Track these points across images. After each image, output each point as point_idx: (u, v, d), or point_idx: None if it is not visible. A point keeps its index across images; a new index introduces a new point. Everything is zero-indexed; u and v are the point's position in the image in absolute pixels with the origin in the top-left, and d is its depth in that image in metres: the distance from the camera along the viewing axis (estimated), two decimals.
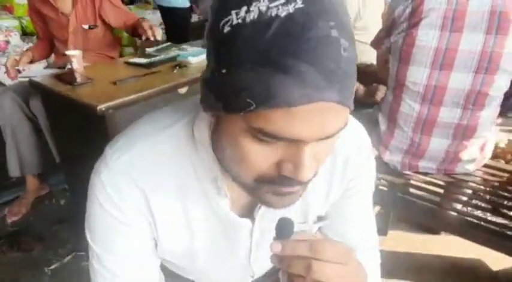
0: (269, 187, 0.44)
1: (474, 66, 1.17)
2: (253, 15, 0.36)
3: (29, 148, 1.80)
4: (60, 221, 1.90)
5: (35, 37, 3.77)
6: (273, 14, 0.35)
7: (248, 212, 0.59)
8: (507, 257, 1.59)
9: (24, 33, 3.80)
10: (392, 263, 1.63)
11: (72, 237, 1.80)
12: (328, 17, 0.36)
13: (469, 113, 1.23)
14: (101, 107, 1.24)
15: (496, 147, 2.58)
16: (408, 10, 1.20)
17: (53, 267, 1.65)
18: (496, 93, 1.21)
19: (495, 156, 2.18)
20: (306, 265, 0.40)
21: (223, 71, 0.39)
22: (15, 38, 3.46)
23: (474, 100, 1.21)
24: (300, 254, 0.41)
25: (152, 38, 1.72)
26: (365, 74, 1.76)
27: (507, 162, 1.76)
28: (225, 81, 0.39)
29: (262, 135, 0.39)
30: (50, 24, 1.95)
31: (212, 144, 0.50)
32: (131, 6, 4.49)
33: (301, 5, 0.35)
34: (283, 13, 0.35)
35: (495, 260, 1.64)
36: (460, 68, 1.18)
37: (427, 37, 1.17)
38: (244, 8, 0.36)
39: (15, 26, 3.70)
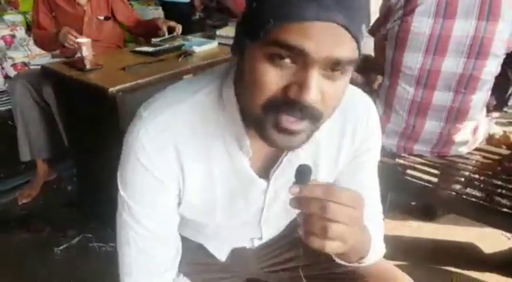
0: (274, 117, 0.48)
1: (466, 51, 1.24)
2: None
3: (38, 133, 1.86)
4: (67, 205, 1.96)
5: None
6: None
7: (265, 174, 0.64)
8: (498, 241, 1.67)
9: (29, 28, 3.87)
10: (385, 245, 1.70)
11: (79, 220, 1.86)
12: None
13: (461, 96, 1.30)
14: (112, 89, 1.31)
15: (492, 138, 2.66)
16: None
17: (61, 247, 1.71)
18: (487, 77, 1.27)
19: (490, 146, 2.25)
20: (322, 206, 0.45)
21: (254, 4, 0.47)
22: (21, 33, 3.53)
23: (466, 84, 1.28)
24: (316, 196, 0.46)
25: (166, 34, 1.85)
26: (363, 64, 1.84)
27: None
28: (253, 13, 0.48)
29: (278, 51, 0.45)
30: (65, 16, 2.00)
31: (235, 87, 0.56)
32: (133, 2, 4.55)
33: None
34: None
35: (487, 244, 1.71)
36: (452, 53, 1.25)
37: (421, 24, 1.24)
38: None
39: (21, 21, 3.76)
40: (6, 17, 3.66)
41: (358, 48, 0.46)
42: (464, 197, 1.34)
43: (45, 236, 1.78)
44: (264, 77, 0.47)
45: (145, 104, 0.61)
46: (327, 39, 0.43)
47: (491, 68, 1.26)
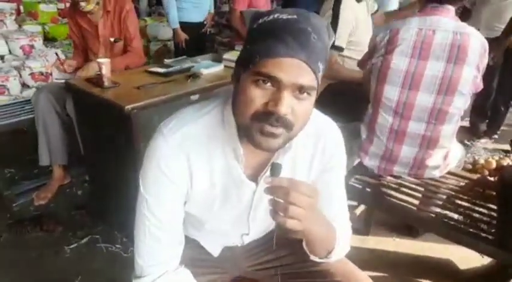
0: (258, 124, 0.67)
1: (436, 88, 1.41)
2: (270, 18, 0.67)
3: (57, 141, 2.04)
4: (78, 208, 2.12)
5: (56, 43, 4.06)
6: (280, 17, 0.66)
7: (255, 178, 0.83)
8: (474, 258, 1.79)
9: (46, 39, 4.07)
10: (368, 259, 1.83)
11: (88, 222, 2.02)
12: (309, 24, 0.65)
13: (432, 126, 1.47)
14: (128, 107, 1.49)
15: (476, 163, 2.82)
16: (386, 38, 1.45)
17: (71, 246, 1.86)
18: (455, 111, 1.44)
19: (475, 171, 2.41)
20: (286, 192, 0.65)
21: (248, 46, 0.69)
22: (39, 43, 3.69)
23: (436, 116, 1.45)
24: (282, 185, 0.66)
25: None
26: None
27: (483, 176, 1.99)
28: (247, 52, 0.68)
29: (261, 77, 0.65)
30: (86, 36, 2.20)
31: (233, 106, 0.74)
32: (147, 18, 4.77)
33: (296, 17, 0.65)
34: (285, 17, 0.65)
35: (463, 260, 1.84)
36: (424, 89, 1.42)
37: (400, 62, 1.42)
38: (266, 16, 0.67)
39: (39, 31, 3.95)
40: (26, 27, 3.85)
41: (317, 78, 0.67)
42: (443, 219, 1.45)
43: (57, 235, 1.93)
44: (251, 96, 0.66)
45: (165, 122, 0.79)
46: (293, 70, 0.64)
47: (459, 103, 1.43)
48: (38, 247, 1.85)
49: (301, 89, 0.65)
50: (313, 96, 0.69)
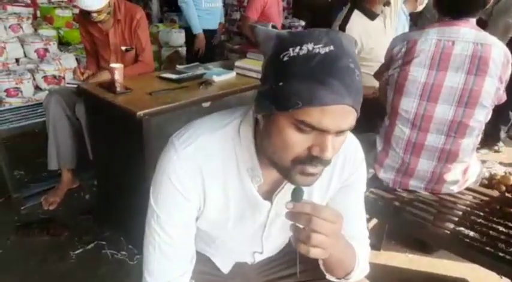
0: (300, 167, 0.63)
1: (456, 100, 1.37)
2: (303, 51, 0.58)
3: (67, 145, 2.03)
4: (85, 213, 2.11)
5: (70, 47, 4.11)
6: (316, 51, 0.58)
7: (269, 196, 0.79)
8: (491, 278, 1.72)
9: (61, 43, 4.12)
10: (381, 275, 1.77)
11: (95, 227, 2.00)
12: (348, 56, 0.59)
13: (452, 139, 1.42)
14: (140, 113, 1.47)
15: (492, 178, 2.74)
16: (403, 49, 1.42)
17: (77, 252, 1.84)
18: (476, 125, 1.40)
19: (491, 186, 2.33)
20: (308, 219, 0.61)
21: (280, 84, 0.60)
22: (53, 47, 3.75)
23: (456, 129, 1.40)
24: (305, 211, 0.61)
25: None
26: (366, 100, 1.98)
27: (501, 192, 1.93)
28: (281, 90, 0.60)
29: (304, 126, 0.59)
30: (97, 44, 2.20)
31: (258, 140, 0.70)
32: (159, 24, 4.81)
33: (333, 48, 0.58)
34: (322, 51, 0.57)
35: (478, 278, 1.77)
36: (444, 101, 1.38)
37: (418, 73, 1.38)
38: (298, 47, 0.59)
39: (54, 35, 4.00)
40: (41, 31, 3.91)
41: (358, 114, 0.62)
42: (459, 236, 1.39)
43: (63, 240, 1.92)
44: (291, 141, 0.61)
45: (178, 134, 0.75)
46: (339, 117, 0.59)
47: (479, 116, 1.38)
48: (43, 251, 1.84)
49: (344, 131, 0.62)
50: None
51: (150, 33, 4.59)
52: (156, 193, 0.75)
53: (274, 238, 0.88)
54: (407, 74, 1.41)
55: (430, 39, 1.37)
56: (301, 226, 0.62)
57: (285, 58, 0.59)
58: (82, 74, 2.01)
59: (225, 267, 0.98)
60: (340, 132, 0.61)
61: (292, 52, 0.59)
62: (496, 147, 3.31)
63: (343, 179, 0.83)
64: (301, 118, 0.59)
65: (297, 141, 0.61)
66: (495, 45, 1.33)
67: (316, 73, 0.57)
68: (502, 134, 3.33)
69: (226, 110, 0.80)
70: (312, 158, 0.62)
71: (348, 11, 2.08)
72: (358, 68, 0.60)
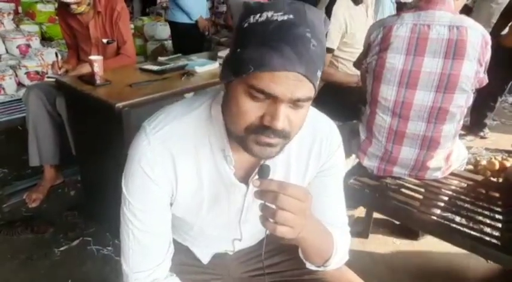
0: (254, 136, 0.62)
1: (435, 86, 1.36)
2: (262, 18, 0.58)
3: (48, 141, 1.99)
4: (70, 209, 2.08)
5: (53, 42, 4.04)
6: (274, 19, 0.58)
7: (245, 179, 0.78)
8: (477, 261, 1.73)
9: (44, 38, 4.05)
10: (368, 263, 1.78)
11: (80, 223, 1.97)
12: (307, 26, 0.58)
13: (433, 126, 1.42)
14: (119, 105, 1.45)
15: (477, 164, 2.78)
16: (380, 36, 1.40)
17: (62, 248, 1.81)
18: (456, 110, 1.39)
19: (476, 172, 2.36)
20: (274, 196, 0.60)
21: (238, 50, 0.60)
22: (36, 43, 3.68)
23: (436, 115, 1.40)
24: (271, 189, 0.60)
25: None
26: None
27: (486, 178, 1.94)
28: (237, 56, 0.60)
29: (255, 91, 0.58)
30: (77, 37, 2.16)
31: (222, 112, 0.69)
32: (144, 18, 4.75)
33: (292, 17, 0.57)
34: (280, 18, 0.57)
35: (466, 264, 1.80)
36: (422, 87, 1.37)
37: (395, 60, 1.37)
38: (258, 14, 0.59)
39: (36, 31, 3.94)
40: (23, 27, 3.84)
41: (315, 87, 0.61)
42: (445, 221, 1.40)
43: (48, 237, 1.88)
44: (244, 108, 0.61)
45: (149, 119, 0.74)
46: (290, 84, 0.58)
47: (460, 101, 1.38)
48: (28, 249, 1.81)
49: (297, 101, 0.60)
50: (310, 103, 0.64)
51: (135, 26, 4.58)
52: (127, 179, 0.74)
53: (252, 224, 0.87)
54: (384, 62, 1.40)
55: (405, 24, 1.36)
56: (269, 205, 0.61)
57: (245, 25, 0.60)
58: (60, 68, 1.97)
59: (205, 258, 0.96)
60: (294, 103, 0.60)
61: (252, 19, 0.59)
62: (481, 134, 3.35)
63: (321, 164, 0.82)
64: (253, 83, 0.58)
65: (250, 109, 0.61)
66: (471, 28, 1.31)
67: (270, 39, 0.57)
68: (488, 121, 3.36)
69: (195, 94, 0.79)
70: (264, 128, 0.61)
71: None
72: (316, 39, 0.58)
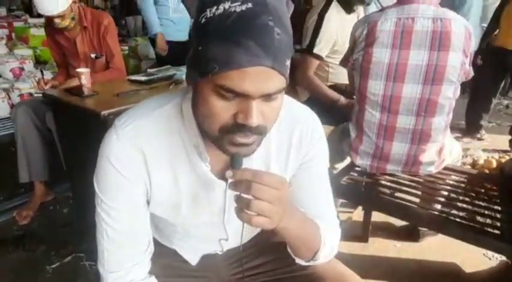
0: (229, 136, 0.59)
1: (422, 78, 1.36)
2: (219, 11, 0.54)
3: (38, 156, 1.98)
4: (62, 225, 2.04)
5: (46, 65, 4.07)
6: (232, 10, 0.53)
7: (224, 175, 0.72)
8: (478, 260, 1.70)
9: (37, 62, 4.09)
10: (370, 267, 1.74)
11: (73, 239, 1.93)
12: (268, 13, 0.54)
13: (422, 119, 1.40)
14: (104, 112, 1.44)
15: (475, 163, 2.75)
16: (365, 32, 1.41)
17: (54, 266, 1.77)
18: (445, 102, 1.38)
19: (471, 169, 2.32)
20: (248, 185, 0.57)
21: (200, 48, 0.57)
22: (29, 66, 3.72)
23: (425, 108, 1.39)
24: (245, 178, 0.58)
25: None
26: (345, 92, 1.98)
27: (481, 171, 1.91)
28: (200, 55, 0.57)
29: (224, 91, 0.55)
30: (66, 53, 2.17)
31: (193, 111, 0.66)
32: (138, 38, 4.80)
33: (250, 5, 0.53)
34: (238, 9, 0.53)
35: (468, 264, 1.76)
36: (410, 80, 1.37)
37: (381, 54, 1.37)
38: (215, 7, 0.54)
39: (29, 55, 3.97)
40: (16, 51, 3.88)
41: (285, 77, 0.59)
42: (445, 216, 1.38)
43: (39, 254, 1.84)
44: (215, 109, 0.58)
45: (120, 115, 0.73)
46: (260, 80, 0.55)
47: (448, 92, 1.37)
48: (19, 267, 1.77)
49: (269, 95, 0.57)
50: (283, 93, 0.61)
51: (129, 47, 4.63)
52: (98, 176, 0.71)
53: (237, 223, 0.84)
54: (370, 56, 1.40)
55: (389, 18, 1.36)
56: (244, 195, 0.58)
57: (203, 20, 0.56)
58: (46, 84, 1.97)
59: (193, 259, 0.93)
60: (266, 97, 0.58)
61: (209, 13, 0.55)
62: (478, 135, 3.34)
63: (302, 155, 0.80)
64: (220, 83, 0.55)
65: (221, 109, 0.58)
66: (454, 20, 1.33)
67: (231, 33, 0.53)
68: (484, 122, 3.36)
69: (165, 92, 0.77)
70: (239, 126, 0.58)
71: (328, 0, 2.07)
72: (280, 26, 0.55)
